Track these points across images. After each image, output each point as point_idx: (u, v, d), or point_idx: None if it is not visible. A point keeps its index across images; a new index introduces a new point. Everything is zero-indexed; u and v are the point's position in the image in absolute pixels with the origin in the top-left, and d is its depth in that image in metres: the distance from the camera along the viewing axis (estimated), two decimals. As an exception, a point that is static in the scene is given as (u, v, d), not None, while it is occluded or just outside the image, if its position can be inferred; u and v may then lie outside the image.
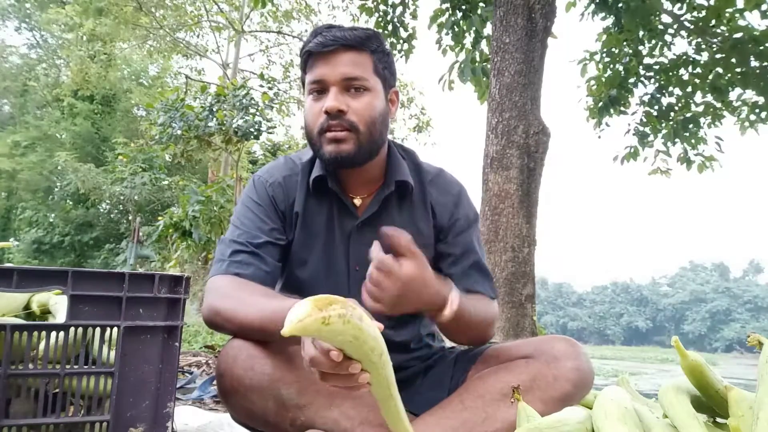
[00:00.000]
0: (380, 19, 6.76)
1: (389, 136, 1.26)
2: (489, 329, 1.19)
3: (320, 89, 1.11)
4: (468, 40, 6.58)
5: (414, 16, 6.85)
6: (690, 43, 6.71)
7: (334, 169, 1.17)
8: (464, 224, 1.26)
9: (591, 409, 1.03)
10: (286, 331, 0.66)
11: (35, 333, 0.94)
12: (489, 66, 6.27)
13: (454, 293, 1.04)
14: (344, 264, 1.20)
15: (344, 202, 1.19)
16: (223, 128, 7.96)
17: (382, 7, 6.71)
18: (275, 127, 9.03)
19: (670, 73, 6.91)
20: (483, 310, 1.17)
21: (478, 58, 6.51)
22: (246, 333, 1.04)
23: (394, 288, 0.93)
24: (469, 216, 1.28)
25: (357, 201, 1.21)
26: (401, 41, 6.83)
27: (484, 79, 6.29)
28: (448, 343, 1.33)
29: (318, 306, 0.68)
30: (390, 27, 6.75)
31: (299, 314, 0.67)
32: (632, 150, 7.47)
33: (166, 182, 14.73)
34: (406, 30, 6.83)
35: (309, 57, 1.13)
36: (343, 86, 1.10)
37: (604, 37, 6.86)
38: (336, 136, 1.09)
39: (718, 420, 1.08)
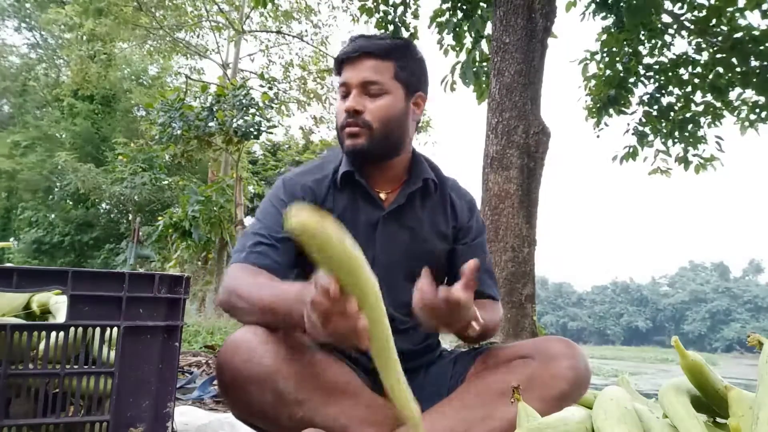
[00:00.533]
0: (381, 20, 6.75)
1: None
2: (497, 330, 1.30)
3: (346, 92, 1.25)
4: (468, 41, 6.57)
5: (416, 16, 6.84)
6: (690, 43, 6.71)
7: (354, 162, 1.27)
8: (478, 230, 1.38)
9: (591, 409, 1.04)
10: (291, 226, 0.70)
11: (35, 333, 0.94)
12: (488, 66, 6.28)
13: (477, 313, 1.12)
14: (370, 253, 1.25)
15: (371, 195, 1.28)
16: (224, 128, 7.96)
17: (382, 7, 6.70)
18: (275, 126, 9.03)
19: (670, 73, 6.91)
20: (494, 317, 1.28)
21: (477, 58, 6.50)
22: (257, 311, 1.07)
23: (451, 314, 1.01)
24: (480, 222, 1.41)
25: (382, 195, 1.30)
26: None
27: (483, 78, 6.28)
28: (447, 344, 1.38)
29: (314, 211, 0.72)
30: (391, 27, 6.74)
31: (300, 213, 0.71)
32: (631, 150, 7.47)
33: (166, 182, 14.73)
34: (407, 30, 6.82)
35: (340, 63, 1.27)
36: (363, 89, 1.22)
37: (604, 36, 6.85)
38: (351, 131, 1.22)
39: (718, 420, 1.08)
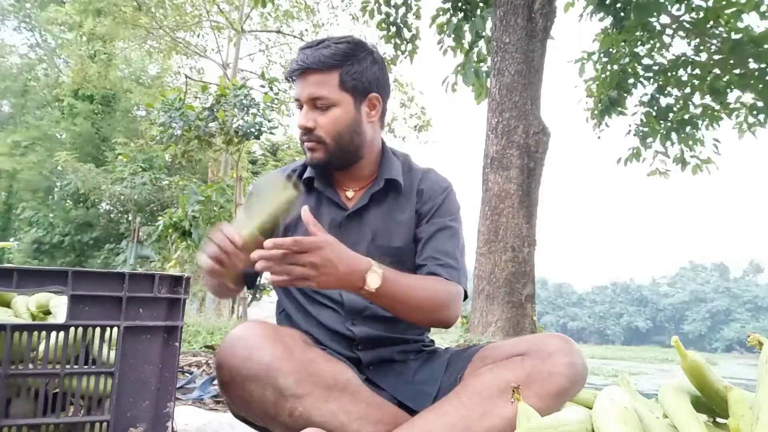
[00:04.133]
0: (383, 21, 6.76)
1: (389, 137, 1.35)
2: (442, 309, 1.21)
3: (299, 106, 1.28)
4: (467, 41, 6.58)
5: (417, 16, 6.85)
6: (689, 44, 6.72)
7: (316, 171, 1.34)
8: (446, 211, 1.34)
9: (591, 409, 1.04)
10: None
11: (35, 333, 0.94)
12: (486, 66, 6.27)
13: (378, 268, 1.09)
14: None
15: (332, 199, 1.32)
16: (224, 128, 7.96)
17: (384, 8, 6.71)
18: (276, 127, 9.03)
19: (669, 74, 6.92)
20: (429, 288, 1.20)
21: (475, 59, 6.50)
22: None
23: (308, 258, 1.01)
24: (448, 207, 1.35)
25: (349, 194, 1.34)
26: (405, 42, 6.84)
27: (484, 77, 6.28)
28: (444, 343, 1.37)
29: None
30: (393, 28, 6.75)
31: None
32: (634, 151, 7.47)
33: (166, 182, 14.72)
34: (409, 30, 6.83)
35: (286, 76, 1.32)
36: (312, 104, 1.25)
37: (602, 37, 6.86)
38: (308, 146, 1.28)
39: (718, 420, 1.08)
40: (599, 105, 7.14)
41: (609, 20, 6.44)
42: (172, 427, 1.01)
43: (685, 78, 6.91)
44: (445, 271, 1.25)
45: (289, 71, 1.27)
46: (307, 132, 1.25)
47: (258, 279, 1.47)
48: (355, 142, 1.28)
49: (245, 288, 1.45)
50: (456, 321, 1.26)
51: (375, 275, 1.08)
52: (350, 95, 1.26)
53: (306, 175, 1.35)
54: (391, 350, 1.28)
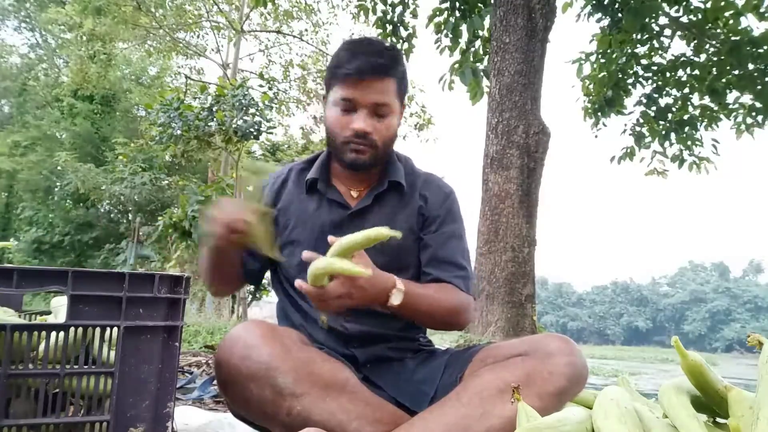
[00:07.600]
0: (380, 19, 6.75)
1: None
2: (457, 316, 1.28)
3: (349, 107, 1.25)
4: (463, 41, 6.57)
5: (414, 15, 6.85)
6: (688, 45, 6.72)
7: (349, 170, 1.32)
8: (449, 219, 1.37)
9: (591, 409, 1.04)
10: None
11: (35, 333, 0.94)
12: (482, 66, 6.25)
13: (401, 285, 1.14)
14: None
15: (334, 199, 1.33)
16: (223, 128, 7.96)
17: (380, 6, 6.71)
18: (275, 127, 9.03)
19: (668, 74, 6.92)
20: (444, 297, 1.26)
21: (471, 59, 6.50)
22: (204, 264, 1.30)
23: (338, 289, 1.05)
24: (455, 214, 1.39)
25: (354, 193, 1.35)
26: (401, 40, 6.83)
27: (482, 77, 6.27)
28: (444, 344, 1.38)
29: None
30: (390, 26, 6.75)
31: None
32: (629, 150, 7.47)
33: (166, 182, 14.71)
34: (406, 29, 6.83)
35: (345, 74, 1.24)
36: (372, 110, 1.24)
37: (600, 37, 6.86)
38: (358, 149, 1.26)
39: (718, 420, 1.08)
40: (595, 104, 7.15)
41: (606, 21, 6.45)
42: (172, 427, 1.01)
43: (684, 78, 6.91)
44: (459, 281, 1.31)
45: (354, 71, 1.21)
46: (362, 136, 1.24)
47: (261, 275, 1.46)
48: (392, 145, 1.32)
49: (247, 284, 1.45)
50: (468, 325, 1.31)
51: (398, 293, 1.14)
52: (400, 102, 1.29)
53: (310, 176, 1.35)
54: (385, 347, 1.29)
